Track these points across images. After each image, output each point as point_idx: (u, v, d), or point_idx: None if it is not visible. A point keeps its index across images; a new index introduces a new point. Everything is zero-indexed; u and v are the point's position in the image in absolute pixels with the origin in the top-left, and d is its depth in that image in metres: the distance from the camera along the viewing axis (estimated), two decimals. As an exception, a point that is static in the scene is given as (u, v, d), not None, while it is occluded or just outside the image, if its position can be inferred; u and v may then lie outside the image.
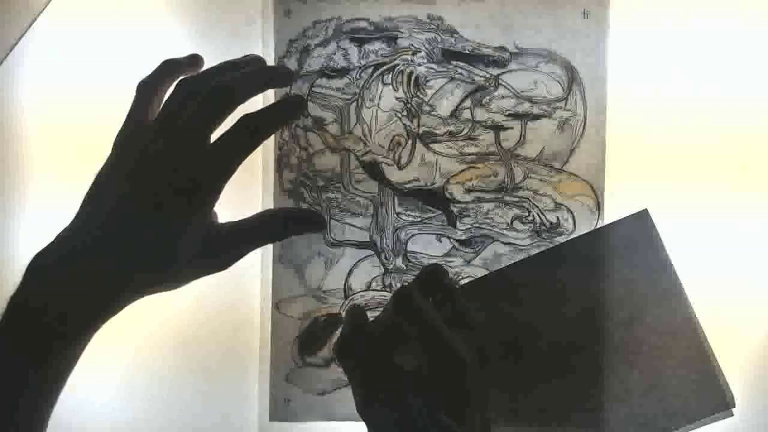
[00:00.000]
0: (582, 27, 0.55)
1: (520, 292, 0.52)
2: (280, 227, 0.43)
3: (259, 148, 0.54)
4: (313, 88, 0.55)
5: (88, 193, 0.40)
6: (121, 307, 0.40)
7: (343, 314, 0.55)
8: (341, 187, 0.55)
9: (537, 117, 0.55)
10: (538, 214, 0.55)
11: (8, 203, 0.56)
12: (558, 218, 0.55)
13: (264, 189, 0.55)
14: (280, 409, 0.55)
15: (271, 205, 0.55)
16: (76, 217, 0.40)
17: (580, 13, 0.55)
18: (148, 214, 0.38)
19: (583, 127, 0.55)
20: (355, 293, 0.55)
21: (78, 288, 0.38)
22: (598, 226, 0.54)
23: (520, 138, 0.55)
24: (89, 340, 0.39)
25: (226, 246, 0.41)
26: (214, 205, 0.40)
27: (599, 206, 0.55)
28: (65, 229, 0.39)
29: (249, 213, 0.54)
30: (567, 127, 0.55)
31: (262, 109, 0.40)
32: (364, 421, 0.42)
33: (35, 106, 0.56)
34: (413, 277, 0.52)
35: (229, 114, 0.39)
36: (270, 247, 0.55)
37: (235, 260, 0.42)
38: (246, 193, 0.55)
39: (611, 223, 0.53)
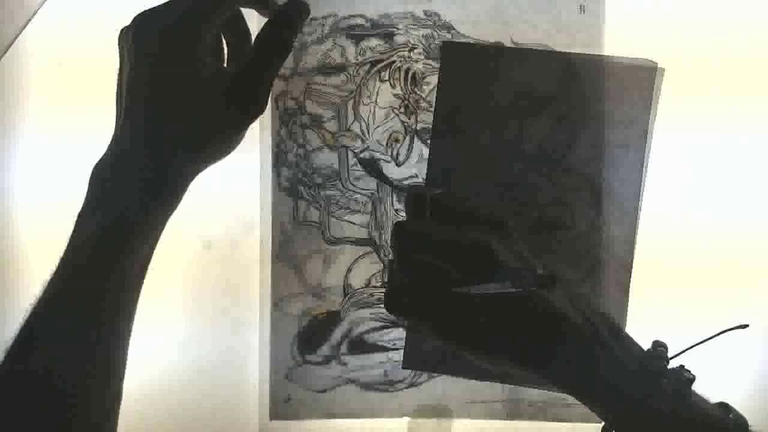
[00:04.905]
0: (578, 22, 0.55)
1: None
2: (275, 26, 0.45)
3: (257, 147, 0.55)
4: (310, 85, 0.55)
5: (117, 103, 0.43)
6: (185, 184, 0.43)
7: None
8: (339, 184, 0.55)
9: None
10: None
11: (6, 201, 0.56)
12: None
13: (262, 187, 0.55)
14: (280, 407, 0.55)
15: (269, 204, 0.55)
16: (116, 126, 0.43)
17: (576, 8, 0.55)
18: (163, 86, 0.42)
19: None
20: (354, 290, 0.55)
21: (137, 177, 0.41)
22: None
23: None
24: (163, 227, 0.43)
25: (246, 84, 0.44)
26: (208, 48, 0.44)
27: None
28: (111, 139, 0.42)
29: (246, 211, 0.55)
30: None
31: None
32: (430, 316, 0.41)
33: (35, 104, 0.56)
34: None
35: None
36: (269, 245, 0.55)
37: (261, 95, 0.44)
38: (244, 191, 0.55)
39: (615, 57, 0.52)
